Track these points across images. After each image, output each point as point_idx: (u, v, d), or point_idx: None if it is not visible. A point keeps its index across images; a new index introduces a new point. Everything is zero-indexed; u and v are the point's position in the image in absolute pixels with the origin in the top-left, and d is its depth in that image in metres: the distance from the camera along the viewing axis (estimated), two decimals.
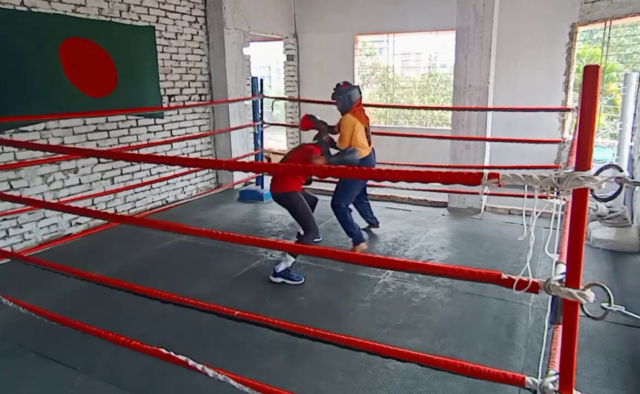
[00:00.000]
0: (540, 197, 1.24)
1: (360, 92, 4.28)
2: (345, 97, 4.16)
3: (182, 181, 6.44)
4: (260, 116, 6.37)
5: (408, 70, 9.42)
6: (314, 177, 4.19)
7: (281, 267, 3.80)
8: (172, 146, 6.20)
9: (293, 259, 3.84)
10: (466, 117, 5.42)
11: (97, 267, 3.79)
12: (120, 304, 3.27)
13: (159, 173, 5.98)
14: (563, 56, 6.45)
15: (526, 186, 1.26)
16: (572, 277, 1.25)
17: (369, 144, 4.32)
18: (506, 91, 6.48)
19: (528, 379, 1.38)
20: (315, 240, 4.67)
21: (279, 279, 3.81)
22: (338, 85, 4.26)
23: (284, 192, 3.90)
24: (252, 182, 7.03)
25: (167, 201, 6.25)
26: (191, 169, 6.20)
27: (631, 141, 5.12)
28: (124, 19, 5.39)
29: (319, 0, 8.12)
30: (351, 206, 4.49)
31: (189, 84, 6.43)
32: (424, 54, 8.94)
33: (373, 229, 5.03)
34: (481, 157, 5.46)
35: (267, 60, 15.19)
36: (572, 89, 6.55)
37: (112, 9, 5.24)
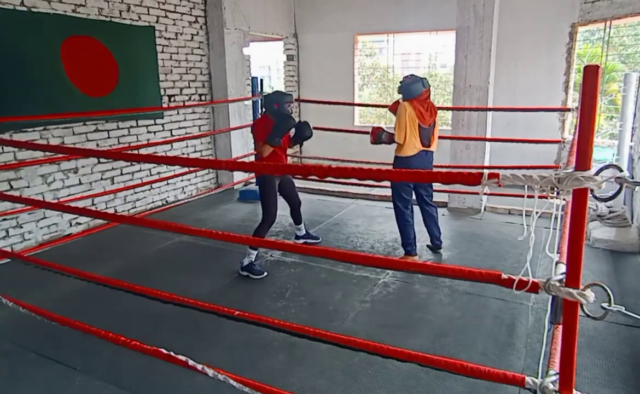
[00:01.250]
0: (540, 197, 1.24)
1: (424, 85, 3.93)
2: (406, 90, 3.91)
3: (182, 181, 6.44)
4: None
5: (408, 71, 9.42)
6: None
7: (245, 262, 3.91)
8: (172, 146, 6.20)
9: (255, 252, 3.96)
10: (466, 117, 5.42)
11: (97, 267, 3.79)
12: (120, 304, 3.27)
13: (159, 173, 5.98)
14: (563, 56, 6.45)
15: (526, 186, 1.26)
16: (572, 277, 1.25)
17: (425, 145, 3.92)
18: (506, 91, 6.48)
19: (528, 379, 1.38)
20: (314, 241, 4.67)
21: (245, 273, 3.92)
22: (404, 78, 4.01)
23: (261, 175, 4.02)
24: (252, 182, 7.03)
25: (167, 201, 6.25)
26: (191, 169, 6.20)
27: (631, 141, 5.13)
28: (124, 19, 5.39)
29: (319, 0, 8.12)
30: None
31: (189, 84, 6.43)
32: (424, 54, 8.95)
33: (374, 230, 5.02)
34: (481, 157, 5.46)
35: (267, 60, 15.20)
36: (572, 89, 6.55)
37: (112, 9, 5.24)
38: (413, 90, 3.88)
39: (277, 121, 3.84)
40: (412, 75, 4.01)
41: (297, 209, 4.49)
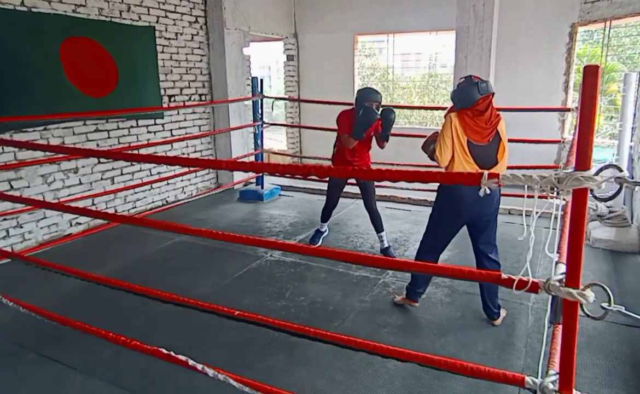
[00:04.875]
0: (540, 197, 1.24)
1: (480, 91, 2.87)
2: (457, 98, 2.94)
3: (182, 181, 6.44)
4: (260, 116, 6.37)
5: (408, 71, 9.41)
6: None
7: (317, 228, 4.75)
8: (172, 146, 6.19)
9: (325, 224, 4.68)
10: None
11: (97, 267, 3.79)
12: (120, 304, 3.27)
13: (159, 173, 5.98)
14: (563, 56, 6.45)
15: (526, 186, 1.26)
16: (572, 277, 1.25)
17: (480, 166, 2.84)
18: (506, 91, 6.47)
19: (528, 379, 1.38)
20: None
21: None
22: (459, 82, 3.05)
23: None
24: (252, 182, 7.03)
25: (167, 201, 6.25)
26: (191, 169, 6.20)
27: (631, 141, 5.13)
28: (124, 19, 5.39)
29: (319, 0, 8.12)
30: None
31: (189, 84, 6.43)
32: (424, 54, 8.95)
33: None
34: None
35: (267, 60, 15.19)
36: (572, 89, 6.55)
37: (112, 9, 5.24)
38: (465, 97, 2.87)
39: (359, 113, 3.87)
40: (469, 77, 2.99)
41: (372, 215, 4.27)
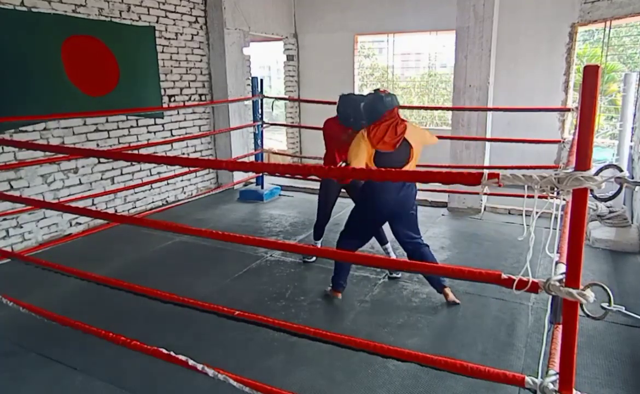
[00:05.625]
0: (540, 197, 1.24)
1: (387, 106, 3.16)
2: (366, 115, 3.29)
3: (182, 181, 6.44)
4: (260, 116, 6.37)
5: (408, 71, 9.43)
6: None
7: None
8: (172, 146, 6.19)
9: (318, 242, 4.22)
10: (466, 117, 5.42)
11: (97, 267, 3.78)
12: (120, 304, 3.26)
13: (159, 173, 5.98)
14: (563, 56, 6.45)
15: (526, 186, 1.26)
16: (572, 277, 1.25)
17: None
18: (506, 91, 6.48)
19: (528, 379, 1.38)
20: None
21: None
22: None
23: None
24: (252, 182, 7.03)
25: (167, 201, 6.25)
26: (191, 169, 6.20)
27: (631, 141, 5.13)
28: (124, 19, 5.39)
29: (319, 0, 8.12)
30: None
31: (189, 84, 6.43)
32: (424, 54, 8.96)
33: None
34: (481, 157, 5.46)
35: (267, 60, 15.19)
36: (572, 89, 6.55)
37: (112, 9, 5.24)
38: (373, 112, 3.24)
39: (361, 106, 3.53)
40: (377, 90, 3.35)
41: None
